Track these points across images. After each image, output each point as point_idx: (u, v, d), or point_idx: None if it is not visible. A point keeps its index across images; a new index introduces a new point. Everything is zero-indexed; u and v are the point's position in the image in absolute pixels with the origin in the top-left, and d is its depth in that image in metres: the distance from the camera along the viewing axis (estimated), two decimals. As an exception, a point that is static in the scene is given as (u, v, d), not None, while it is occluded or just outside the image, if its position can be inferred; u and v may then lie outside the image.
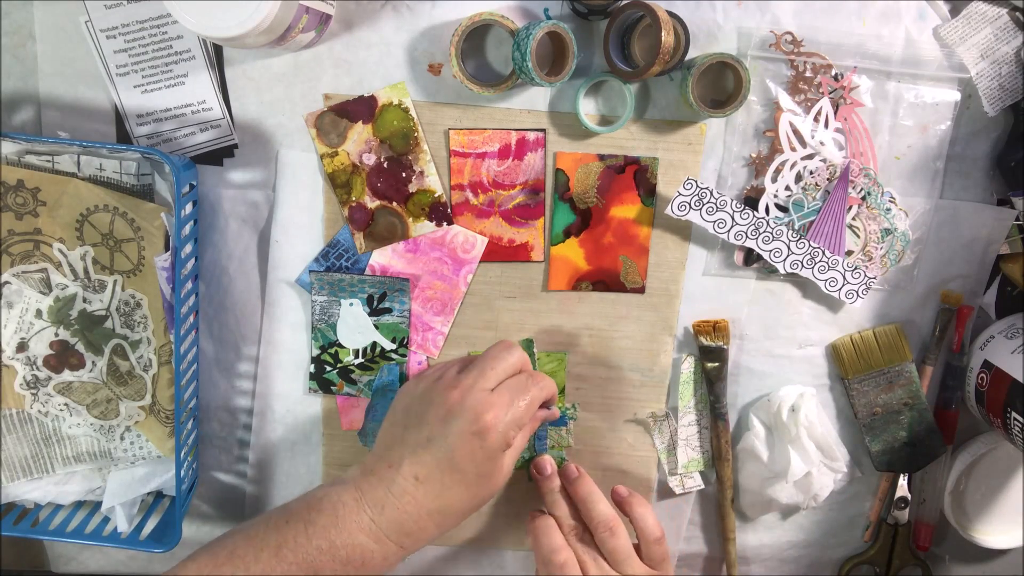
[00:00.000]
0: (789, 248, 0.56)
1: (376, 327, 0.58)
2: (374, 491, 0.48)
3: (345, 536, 0.46)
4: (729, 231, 0.56)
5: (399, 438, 0.50)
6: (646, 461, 0.62)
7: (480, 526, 0.63)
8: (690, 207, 0.55)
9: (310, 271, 0.57)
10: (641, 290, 0.58)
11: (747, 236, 0.56)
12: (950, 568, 0.68)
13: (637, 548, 0.54)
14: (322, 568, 0.45)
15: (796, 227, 0.56)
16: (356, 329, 0.58)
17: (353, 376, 0.59)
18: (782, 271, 0.57)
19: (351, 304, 0.57)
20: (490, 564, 0.65)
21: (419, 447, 0.48)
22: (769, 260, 0.57)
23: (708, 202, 0.55)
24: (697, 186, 0.54)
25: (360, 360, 0.59)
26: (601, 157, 0.56)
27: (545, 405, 0.55)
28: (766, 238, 0.56)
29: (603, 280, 0.58)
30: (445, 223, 0.57)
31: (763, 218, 0.56)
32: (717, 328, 0.58)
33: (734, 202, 0.55)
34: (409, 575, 0.65)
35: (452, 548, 0.64)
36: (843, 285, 0.58)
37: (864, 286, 0.58)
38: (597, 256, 0.58)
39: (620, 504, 0.56)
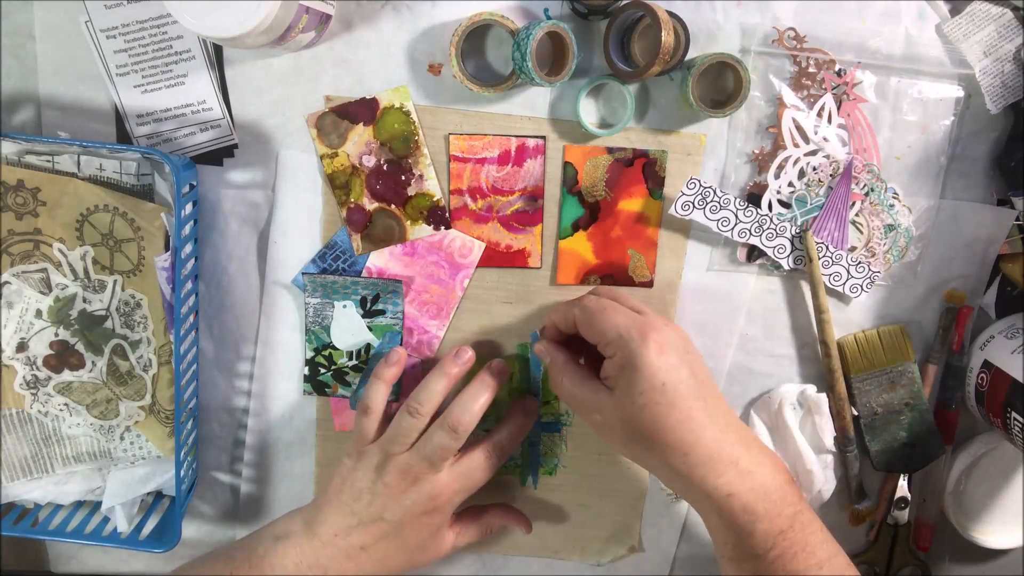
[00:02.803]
0: (792, 244, 0.57)
1: (370, 328, 0.58)
2: (317, 555, 0.50)
3: None
4: (733, 229, 0.56)
5: (348, 508, 0.52)
6: (639, 468, 0.62)
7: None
8: (694, 206, 0.55)
9: (303, 273, 0.57)
10: (649, 284, 0.58)
11: (751, 233, 0.56)
12: (950, 568, 0.68)
13: None
14: None
15: (799, 223, 0.56)
16: (350, 331, 0.58)
17: (347, 378, 0.59)
18: (786, 267, 0.57)
19: (344, 306, 0.57)
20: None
21: (370, 520, 0.51)
22: (773, 256, 0.57)
23: (712, 201, 0.55)
24: (700, 185, 0.54)
25: (354, 362, 0.59)
26: (610, 150, 0.55)
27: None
28: (769, 235, 0.56)
29: (611, 274, 0.58)
30: (443, 227, 0.56)
31: (766, 215, 0.56)
32: None
33: (737, 200, 0.55)
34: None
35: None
36: (847, 280, 0.58)
37: (868, 280, 0.58)
38: (605, 250, 0.57)
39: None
